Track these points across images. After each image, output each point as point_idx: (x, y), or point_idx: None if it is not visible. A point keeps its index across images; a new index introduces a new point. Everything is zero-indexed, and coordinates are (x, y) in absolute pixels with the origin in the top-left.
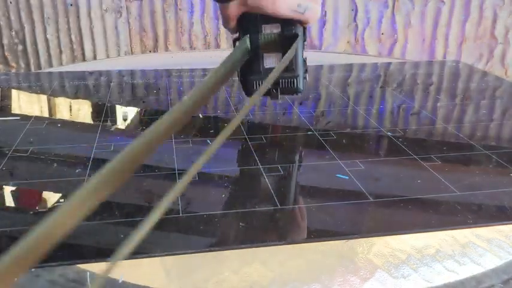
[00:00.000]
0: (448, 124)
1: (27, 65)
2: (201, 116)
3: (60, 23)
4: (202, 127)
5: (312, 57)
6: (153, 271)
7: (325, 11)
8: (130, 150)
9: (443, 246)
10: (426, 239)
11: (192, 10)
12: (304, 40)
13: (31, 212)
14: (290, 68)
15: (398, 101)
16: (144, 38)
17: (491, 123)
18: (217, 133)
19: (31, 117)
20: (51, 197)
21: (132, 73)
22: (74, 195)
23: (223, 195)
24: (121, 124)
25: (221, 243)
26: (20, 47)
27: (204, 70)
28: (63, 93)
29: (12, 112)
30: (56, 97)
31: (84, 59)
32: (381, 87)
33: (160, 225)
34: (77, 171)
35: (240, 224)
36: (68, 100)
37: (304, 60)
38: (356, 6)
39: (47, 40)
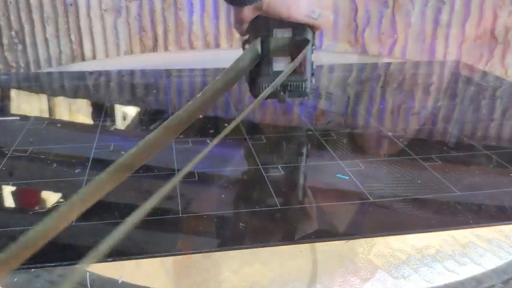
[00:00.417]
0: (448, 124)
1: (27, 65)
2: (200, 116)
3: (59, 22)
4: (202, 127)
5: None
6: (153, 271)
7: None
8: (148, 140)
9: (444, 246)
10: (426, 239)
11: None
12: (313, 45)
13: (31, 212)
14: (299, 72)
15: (398, 101)
16: (144, 37)
17: (491, 123)
18: (217, 133)
19: (31, 117)
20: (51, 197)
21: (131, 73)
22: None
23: (223, 195)
24: (120, 124)
25: (221, 243)
26: (19, 47)
27: (204, 70)
28: (63, 93)
29: (12, 112)
30: (56, 97)
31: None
32: (381, 87)
33: (160, 225)
34: (77, 171)
35: (240, 224)
36: (68, 100)
37: (312, 64)
38: (356, 6)
39: (46, 40)
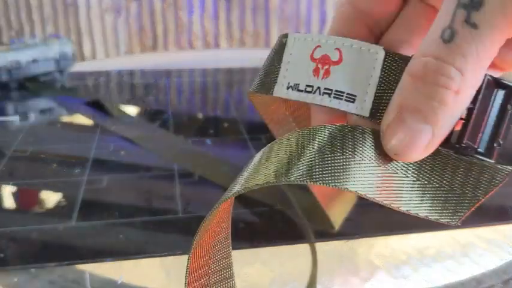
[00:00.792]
0: None
1: None
2: (200, 116)
3: (59, 22)
4: (202, 127)
5: None
6: (153, 271)
7: (325, 11)
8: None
9: (444, 246)
10: (426, 239)
11: (191, 10)
12: None
13: (31, 212)
14: None
15: None
16: (144, 37)
17: None
18: (217, 133)
19: (31, 117)
20: (50, 197)
21: (131, 73)
22: None
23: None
24: (120, 124)
25: None
26: None
27: (204, 70)
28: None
29: (12, 112)
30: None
31: (83, 59)
32: None
33: (160, 225)
34: (76, 171)
35: (240, 224)
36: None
37: None
38: None
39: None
